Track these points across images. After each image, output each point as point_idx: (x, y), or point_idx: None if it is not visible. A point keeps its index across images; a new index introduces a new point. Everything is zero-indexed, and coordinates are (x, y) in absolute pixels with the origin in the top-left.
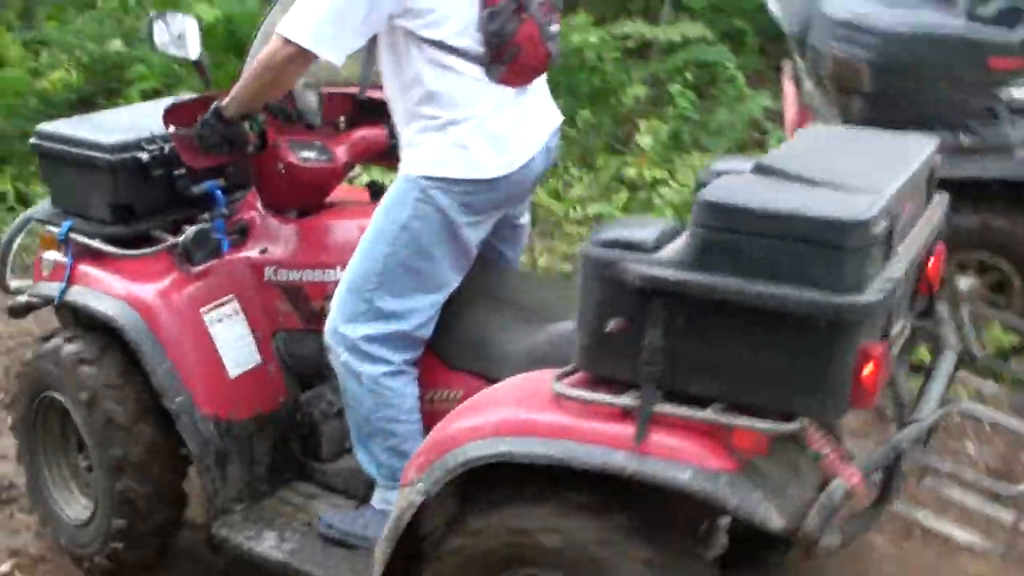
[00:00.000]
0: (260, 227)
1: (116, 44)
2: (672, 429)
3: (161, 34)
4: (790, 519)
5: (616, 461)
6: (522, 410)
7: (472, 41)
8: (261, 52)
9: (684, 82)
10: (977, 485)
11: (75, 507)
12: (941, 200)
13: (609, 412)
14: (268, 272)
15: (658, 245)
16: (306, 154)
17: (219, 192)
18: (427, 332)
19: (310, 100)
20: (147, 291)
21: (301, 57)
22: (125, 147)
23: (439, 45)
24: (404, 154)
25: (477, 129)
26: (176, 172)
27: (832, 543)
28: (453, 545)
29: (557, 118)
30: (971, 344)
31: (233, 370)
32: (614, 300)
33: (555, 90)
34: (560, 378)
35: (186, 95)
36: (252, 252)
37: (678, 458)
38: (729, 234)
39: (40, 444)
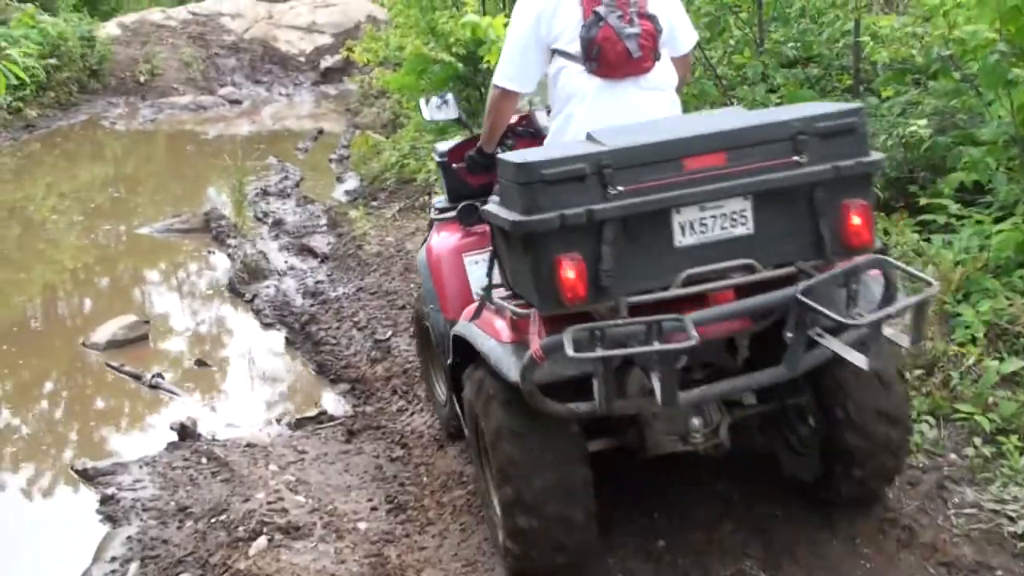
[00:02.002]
0: None
1: None
2: (499, 315)
3: (428, 109)
4: (521, 375)
5: (468, 333)
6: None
7: (576, 46)
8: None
9: None
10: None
11: (440, 391)
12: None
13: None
14: None
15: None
16: None
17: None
18: None
19: (541, 118)
20: (436, 240)
21: (504, 95)
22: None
23: (561, 52)
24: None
25: (581, 109)
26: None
27: (527, 387)
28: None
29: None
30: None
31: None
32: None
33: None
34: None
35: (457, 139)
36: None
37: (488, 333)
38: (504, 182)
39: (424, 350)
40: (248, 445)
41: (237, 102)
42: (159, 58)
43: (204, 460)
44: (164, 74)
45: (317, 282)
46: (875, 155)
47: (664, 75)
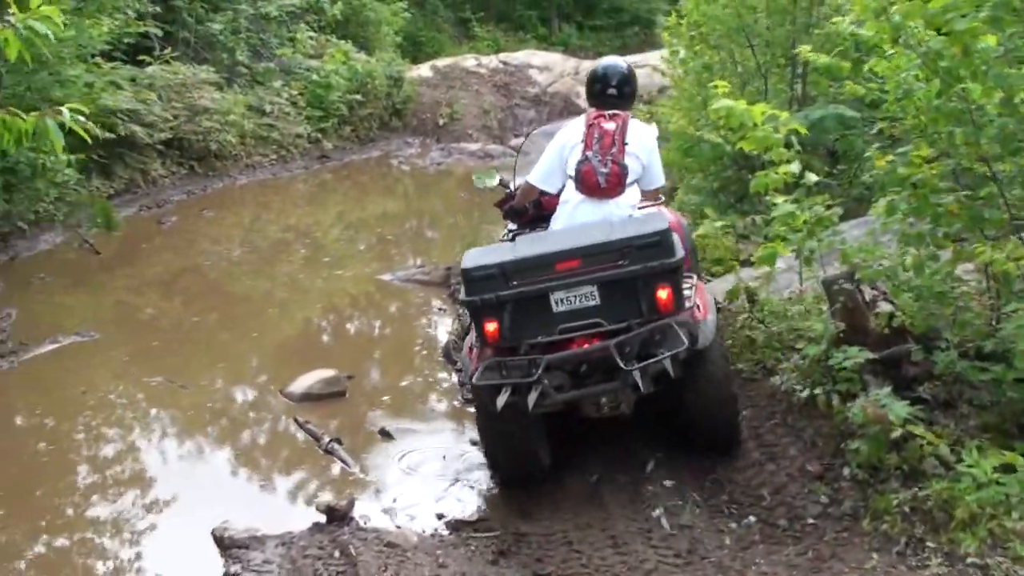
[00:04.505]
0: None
1: None
2: (479, 352)
3: (477, 181)
4: (470, 381)
5: (461, 359)
6: None
7: (573, 172)
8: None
9: None
10: None
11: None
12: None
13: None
14: None
15: None
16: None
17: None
18: None
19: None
20: None
21: (531, 187)
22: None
23: (568, 175)
24: None
25: (564, 211)
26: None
27: (474, 386)
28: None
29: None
30: None
31: None
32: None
33: None
34: None
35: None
36: None
37: (468, 359)
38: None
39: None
40: (388, 544)
41: (526, 153)
42: (460, 103)
43: (336, 554)
44: (463, 119)
45: None
46: (678, 254)
47: (627, 199)
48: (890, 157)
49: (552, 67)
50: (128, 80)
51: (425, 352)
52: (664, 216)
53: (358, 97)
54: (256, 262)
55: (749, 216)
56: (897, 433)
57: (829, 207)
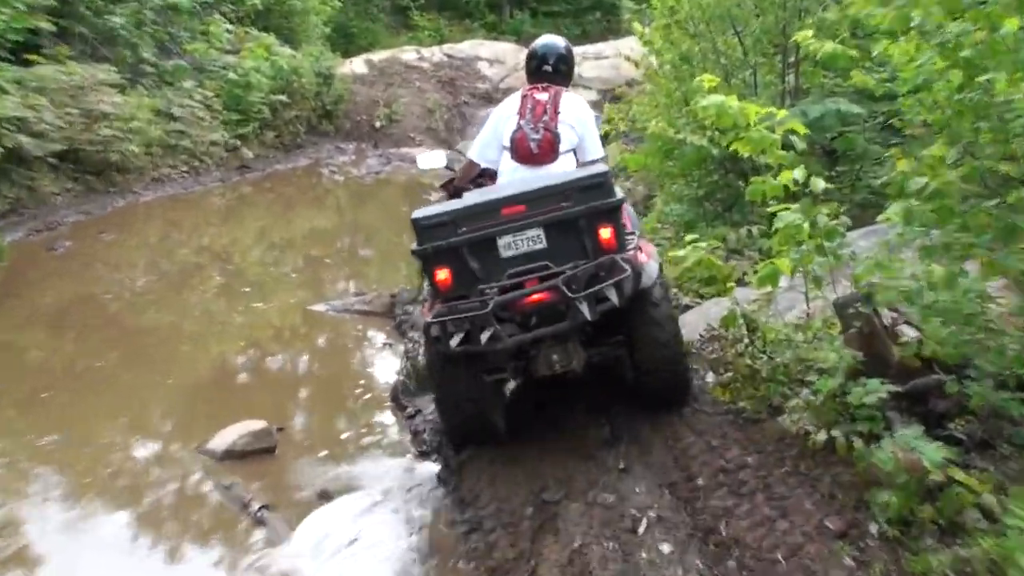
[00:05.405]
0: None
1: None
2: (431, 304)
3: (421, 161)
4: (424, 331)
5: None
6: None
7: (508, 142)
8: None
9: None
10: None
11: None
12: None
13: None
14: None
15: None
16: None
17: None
18: None
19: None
20: None
21: (471, 164)
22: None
23: (504, 146)
24: None
25: (501, 181)
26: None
27: (427, 336)
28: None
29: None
30: None
31: None
32: None
33: None
34: None
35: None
36: None
37: (422, 313)
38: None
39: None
40: None
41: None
42: (400, 102)
43: None
44: (403, 120)
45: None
46: (618, 194)
47: (561, 166)
48: (911, 158)
49: (503, 59)
50: (13, 83)
51: (369, 396)
52: (603, 165)
53: (282, 98)
54: (164, 292)
55: (741, 227)
56: (932, 481)
57: (836, 216)
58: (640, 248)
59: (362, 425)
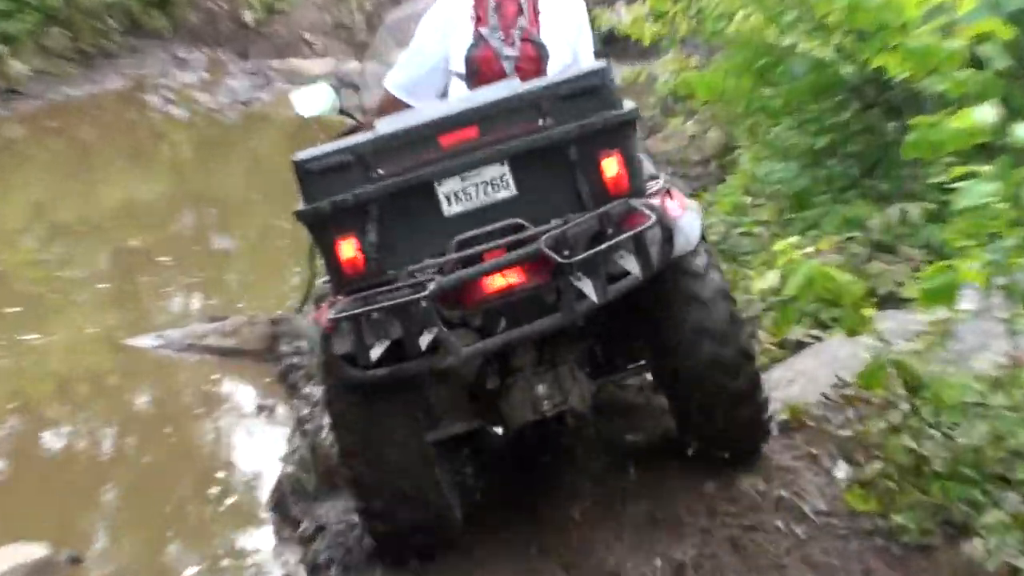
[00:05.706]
0: None
1: None
2: (330, 301)
3: (299, 103)
4: (321, 347)
5: (304, 327)
6: None
7: (461, 66)
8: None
9: None
10: None
11: None
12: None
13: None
14: None
15: None
16: None
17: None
18: None
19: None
20: None
21: (394, 102)
22: None
23: (454, 72)
24: None
25: None
26: None
27: (326, 358)
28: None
29: None
30: None
31: None
32: None
33: None
34: None
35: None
36: None
37: (315, 320)
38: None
39: None
40: None
41: (379, 55)
42: None
43: None
44: (291, 13)
45: None
46: (627, 106)
47: None
48: None
49: None
50: None
51: (232, 502)
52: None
53: None
54: None
55: (892, 205)
56: None
57: None
58: (669, 194)
59: (218, 555)
